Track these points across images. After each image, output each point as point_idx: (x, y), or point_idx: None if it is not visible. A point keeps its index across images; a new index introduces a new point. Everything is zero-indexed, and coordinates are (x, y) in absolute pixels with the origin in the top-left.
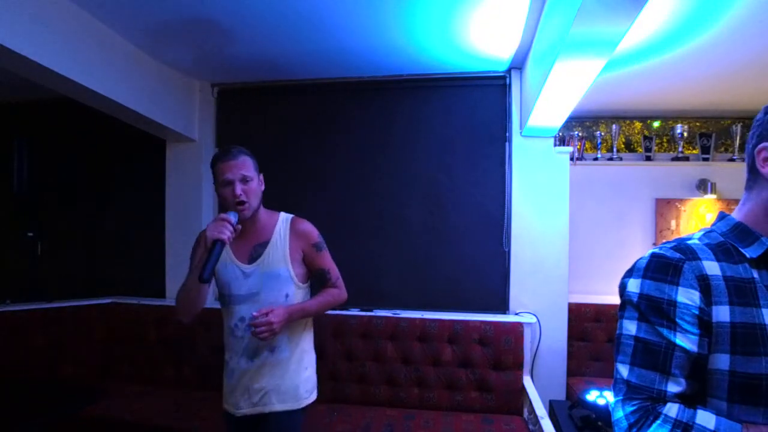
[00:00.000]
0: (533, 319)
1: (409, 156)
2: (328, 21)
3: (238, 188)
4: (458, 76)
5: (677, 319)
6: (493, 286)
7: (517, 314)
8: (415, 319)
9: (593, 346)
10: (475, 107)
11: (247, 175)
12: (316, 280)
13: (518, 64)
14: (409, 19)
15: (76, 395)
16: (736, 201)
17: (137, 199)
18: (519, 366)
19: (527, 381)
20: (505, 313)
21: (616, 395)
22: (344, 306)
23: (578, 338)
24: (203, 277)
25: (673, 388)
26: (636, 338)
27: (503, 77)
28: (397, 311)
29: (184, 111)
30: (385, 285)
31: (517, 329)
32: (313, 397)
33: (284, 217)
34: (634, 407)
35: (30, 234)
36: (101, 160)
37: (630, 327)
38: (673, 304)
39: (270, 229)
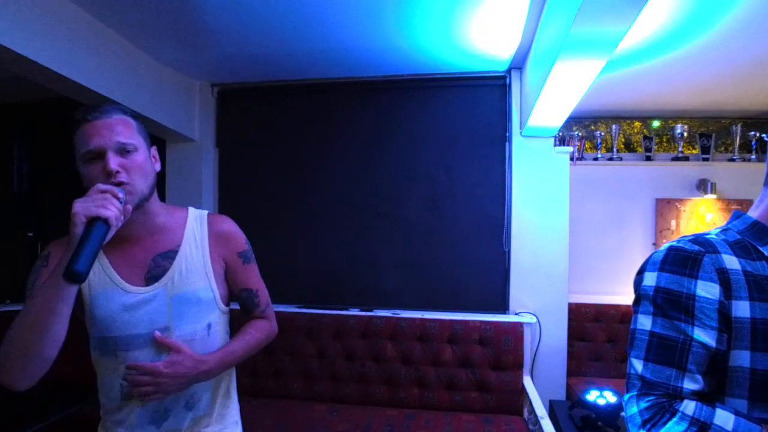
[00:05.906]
0: (533, 319)
1: (409, 156)
2: (328, 21)
3: (113, 162)
4: (458, 76)
5: (697, 313)
6: (493, 286)
7: (517, 314)
8: (415, 319)
9: (593, 346)
10: (475, 107)
11: (128, 143)
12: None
13: (518, 64)
14: (409, 20)
15: (75, 395)
16: (737, 201)
17: None
18: (519, 366)
19: (527, 381)
20: (505, 313)
21: (629, 390)
22: (344, 306)
23: (578, 338)
24: (76, 270)
25: (689, 385)
26: (651, 333)
27: (503, 77)
28: (397, 311)
29: (184, 111)
30: (385, 285)
31: (517, 329)
32: None
33: (196, 214)
34: (649, 403)
35: (30, 234)
36: None
37: (645, 322)
38: (692, 297)
39: (177, 231)
